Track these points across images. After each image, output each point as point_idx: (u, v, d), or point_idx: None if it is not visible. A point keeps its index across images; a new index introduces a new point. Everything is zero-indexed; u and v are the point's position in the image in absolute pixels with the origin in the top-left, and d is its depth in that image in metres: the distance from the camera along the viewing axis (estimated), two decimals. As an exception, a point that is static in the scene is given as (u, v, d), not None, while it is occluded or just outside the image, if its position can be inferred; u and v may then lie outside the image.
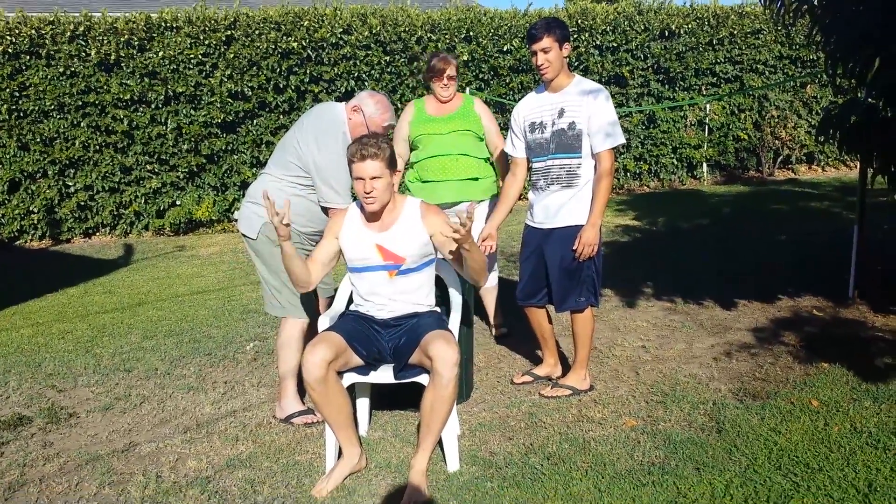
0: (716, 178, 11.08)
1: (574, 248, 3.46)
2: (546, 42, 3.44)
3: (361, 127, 3.40)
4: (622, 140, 3.51)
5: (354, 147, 2.97)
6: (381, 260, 3.07)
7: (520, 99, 3.83)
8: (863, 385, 3.54)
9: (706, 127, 10.82)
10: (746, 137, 10.85)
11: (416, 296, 3.15)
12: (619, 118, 3.55)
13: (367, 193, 2.97)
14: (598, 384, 3.78)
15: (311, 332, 3.40)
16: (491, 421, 3.43)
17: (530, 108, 3.64)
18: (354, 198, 3.30)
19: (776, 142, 10.86)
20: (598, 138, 3.44)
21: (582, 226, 3.48)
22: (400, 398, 3.51)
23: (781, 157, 11.10)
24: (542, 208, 3.61)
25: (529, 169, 3.76)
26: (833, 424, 3.15)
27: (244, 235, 3.51)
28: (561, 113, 3.51)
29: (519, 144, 3.73)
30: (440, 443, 2.97)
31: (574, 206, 3.51)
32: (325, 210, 3.41)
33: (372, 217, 3.09)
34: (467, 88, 9.33)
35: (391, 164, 3.00)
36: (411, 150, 4.40)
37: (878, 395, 3.42)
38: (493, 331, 4.65)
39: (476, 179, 4.25)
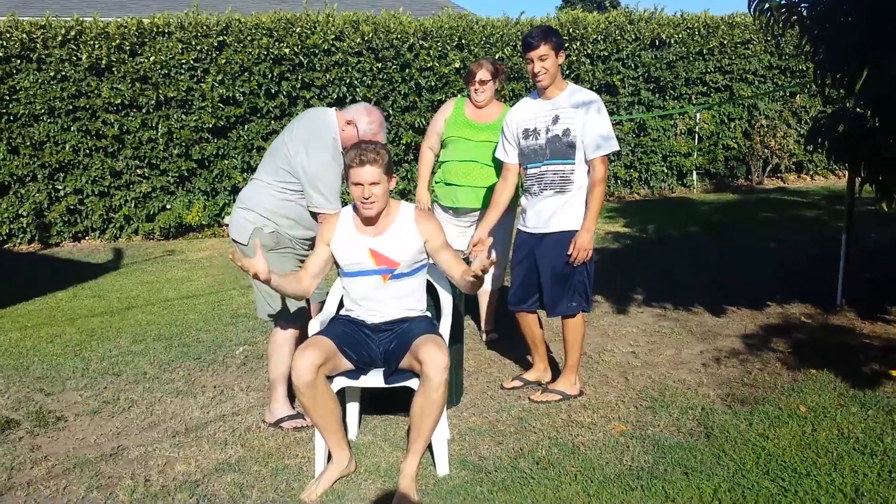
0: (705, 187, 11.13)
1: (569, 252, 3.48)
2: (543, 49, 3.47)
3: (353, 140, 3.41)
4: (616, 148, 3.54)
5: (353, 152, 2.98)
6: (374, 265, 3.07)
7: (512, 105, 3.85)
8: (850, 391, 3.56)
9: (696, 135, 10.87)
10: (736, 146, 10.91)
11: (408, 301, 3.15)
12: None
13: (366, 199, 2.98)
14: (587, 389, 3.79)
15: (301, 337, 3.39)
16: (480, 425, 3.44)
17: (524, 115, 3.66)
18: (345, 203, 3.30)
19: (765, 150, 10.93)
20: (591, 148, 3.48)
21: (574, 231, 3.50)
22: (390, 402, 3.50)
23: (770, 165, 11.16)
24: (535, 213, 3.63)
25: (520, 175, 3.78)
26: (821, 430, 3.17)
27: (235, 241, 3.50)
28: (555, 120, 3.53)
29: (511, 150, 3.75)
30: (430, 447, 2.97)
31: (566, 211, 3.54)
32: (315, 215, 3.41)
33: (367, 221, 3.09)
34: (457, 95, 9.34)
35: (389, 169, 3.01)
36: (441, 147, 4.42)
37: (865, 400, 3.45)
38: (484, 336, 4.66)
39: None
